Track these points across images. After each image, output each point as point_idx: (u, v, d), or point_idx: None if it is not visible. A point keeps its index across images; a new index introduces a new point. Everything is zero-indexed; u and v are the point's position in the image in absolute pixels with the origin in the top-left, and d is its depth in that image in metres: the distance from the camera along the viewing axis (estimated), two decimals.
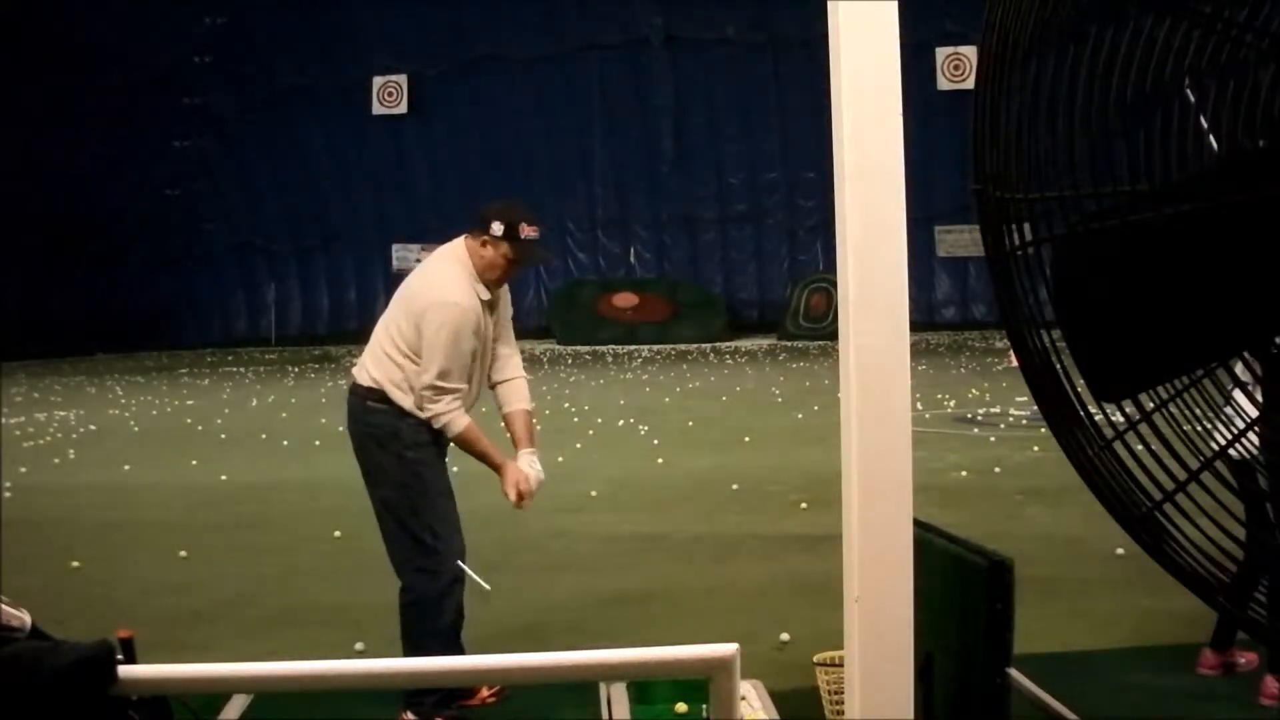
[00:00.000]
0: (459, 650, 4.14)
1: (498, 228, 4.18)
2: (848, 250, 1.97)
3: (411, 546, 4.16)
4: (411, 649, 4.12)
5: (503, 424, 4.46)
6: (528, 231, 4.24)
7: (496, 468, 4.30)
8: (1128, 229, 1.69)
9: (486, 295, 4.24)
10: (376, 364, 4.21)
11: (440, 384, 4.10)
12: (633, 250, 33.94)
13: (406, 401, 4.15)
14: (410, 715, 4.15)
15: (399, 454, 4.16)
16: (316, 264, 35.48)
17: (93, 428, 14.34)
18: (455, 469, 4.39)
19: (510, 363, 4.47)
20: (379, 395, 4.17)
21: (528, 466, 4.31)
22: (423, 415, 4.16)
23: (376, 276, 34.17)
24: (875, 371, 1.97)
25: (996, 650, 2.95)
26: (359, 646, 5.05)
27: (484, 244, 4.20)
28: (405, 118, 33.10)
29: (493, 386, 4.43)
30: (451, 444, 4.31)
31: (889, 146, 1.95)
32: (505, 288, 4.40)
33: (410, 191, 33.69)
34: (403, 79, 32.84)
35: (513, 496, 4.30)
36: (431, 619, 4.13)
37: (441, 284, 4.18)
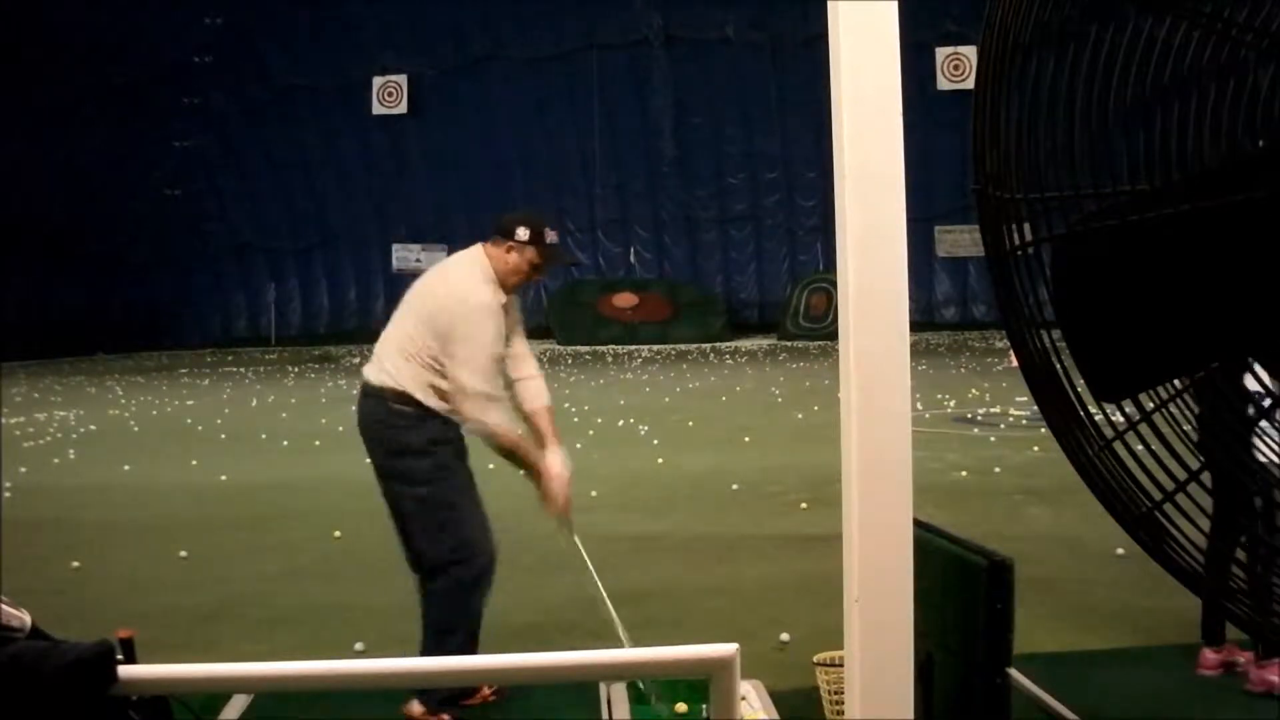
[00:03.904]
0: (477, 642, 4.19)
1: (523, 233, 4.28)
2: (848, 250, 1.97)
3: (447, 538, 4.19)
4: (437, 639, 4.13)
5: (524, 422, 4.48)
6: (551, 236, 4.37)
7: (531, 465, 4.31)
8: (1128, 229, 1.69)
9: (504, 298, 4.32)
10: (398, 368, 4.21)
11: (486, 389, 4.13)
12: (633, 250, 33.96)
13: (433, 402, 4.18)
14: (417, 704, 4.17)
15: (430, 452, 4.19)
16: (316, 264, 35.51)
17: (93, 428, 14.34)
18: None
19: (527, 360, 4.52)
20: (405, 398, 4.18)
21: (562, 466, 4.34)
22: (464, 418, 4.17)
23: (376, 276, 34.22)
24: (875, 371, 1.97)
25: (996, 650, 2.95)
26: (359, 646, 5.05)
27: (508, 250, 4.28)
28: (405, 118, 33.13)
29: (509, 385, 4.46)
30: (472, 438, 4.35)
31: (889, 146, 1.95)
32: None
33: (410, 191, 33.71)
34: (403, 79, 32.87)
35: (559, 504, 4.32)
36: (464, 607, 4.18)
37: (470, 288, 4.20)
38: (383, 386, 4.21)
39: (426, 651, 4.06)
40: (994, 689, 2.94)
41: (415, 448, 4.18)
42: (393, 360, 4.23)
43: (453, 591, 4.17)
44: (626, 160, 33.09)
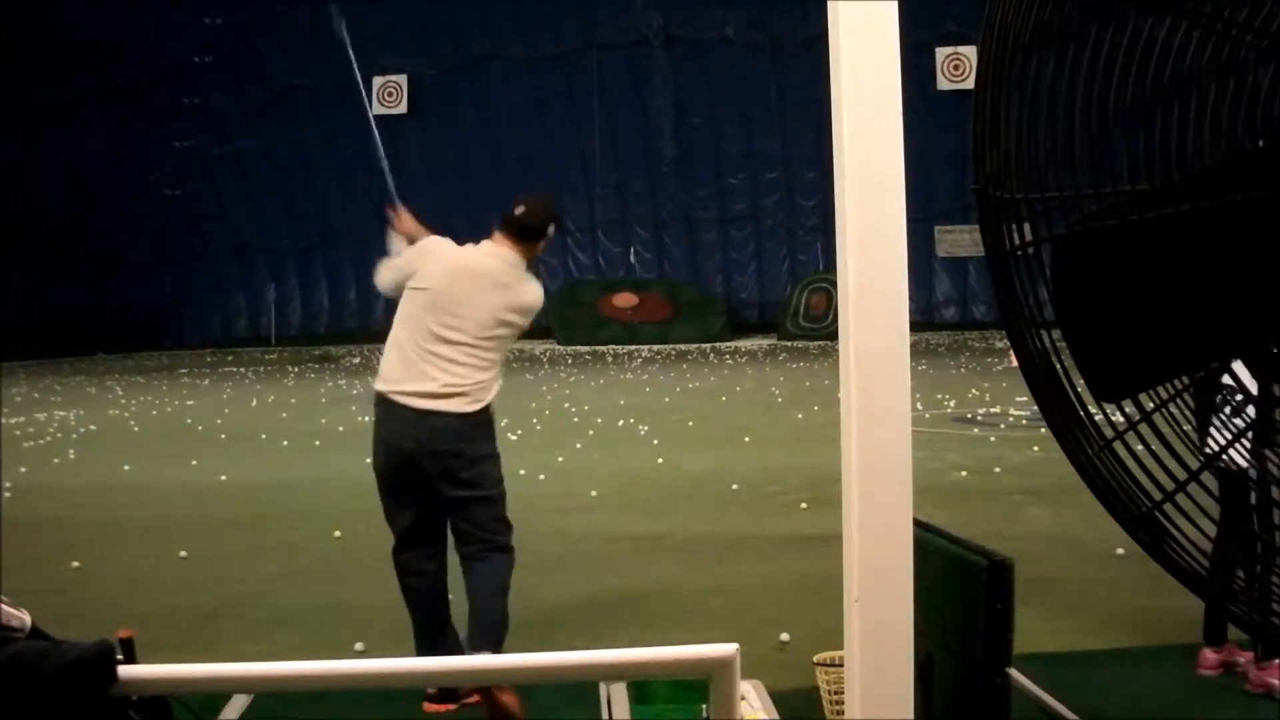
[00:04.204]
0: None
1: (553, 229, 4.63)
2: (848, 250, 1.97)
3: (507, 528, 4.47)
4: (495, 622, 4.30)
5: None
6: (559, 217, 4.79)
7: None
8: (1128, 229, 1.69)
9: None
10: (485, 387, 4.36)
11: None
12: (633, 250, 33.96)
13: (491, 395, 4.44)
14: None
15: (497, 455, 4.47)
16: (316, 264, 35.49)
17: (93, 428, 14.34)
18: None
19: None
20: (483, 412, 4.37)
21: None
22: None
23: None
24: (875, 371, 1.97)
25: (996, 650, 2.95)
26: (359, 646, 5.05)
27: (541, 245, 4.61)
28: (405, 118, 33.10)
29: None
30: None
31: (889, 146, 1.95)
32: None
33: (410, 191, 33.67)
34: (403, 79, 32.85)
35: None
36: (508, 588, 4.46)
37: (537, 289, 4.64)
38: (460, 413, 4.30)
39: (484, 629, 4.22)
40: (994, 689, 2.94)
41: (490, 453, 4.41)
42: (477, 391, 4.34)
43: (509, 572, 4.42)
44: (626, 160, 33.08)
